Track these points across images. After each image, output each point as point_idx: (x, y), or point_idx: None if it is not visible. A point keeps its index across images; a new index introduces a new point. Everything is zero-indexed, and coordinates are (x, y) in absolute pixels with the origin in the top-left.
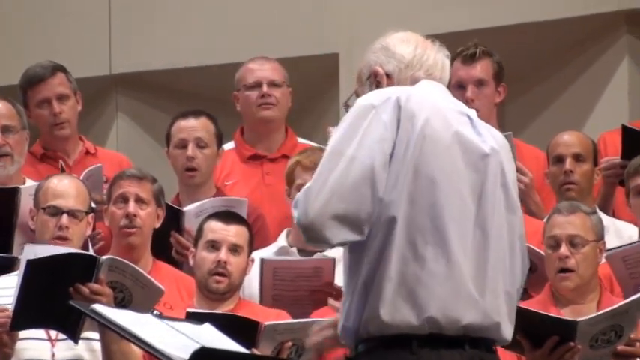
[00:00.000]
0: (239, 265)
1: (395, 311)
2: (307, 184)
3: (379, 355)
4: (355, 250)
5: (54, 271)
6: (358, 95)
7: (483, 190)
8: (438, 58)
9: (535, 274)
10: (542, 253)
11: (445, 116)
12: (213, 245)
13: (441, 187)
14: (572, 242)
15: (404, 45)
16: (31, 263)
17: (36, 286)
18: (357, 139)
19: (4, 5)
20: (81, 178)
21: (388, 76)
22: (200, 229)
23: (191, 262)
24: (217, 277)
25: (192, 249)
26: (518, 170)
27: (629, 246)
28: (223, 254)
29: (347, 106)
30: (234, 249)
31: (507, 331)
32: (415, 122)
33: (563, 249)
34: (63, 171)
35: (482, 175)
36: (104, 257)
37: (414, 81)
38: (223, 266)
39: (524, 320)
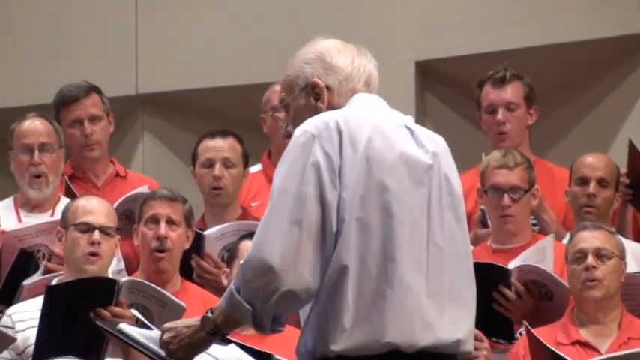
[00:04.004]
0: None
1: (353, 339)
2: (259, 227)
3: None
4: None
5: (74, 297)
6: (287, 105)
7: (430, 202)
8: (370, 67)
9: (550, 303)
10: (560, 280)
11: (386, 135)
12: None
13: (391, 209)
14: (599, 254)
15: (341, 56)
16: (50, 289)
17: (57, 313)
18: (305, 175)
19: (34, 26)
20: (128, 195)
21: (328, 88)
22: (235, 249)
23: (224, 282)
24: None
25: (226, 269)
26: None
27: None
28: None
29: (276, 114)
30: None
31: (469, 344)
32: (357, 146)
33: (590, 259)
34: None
35: (428, 188)
36: (123, 279)
37: (353, 93)
38: None
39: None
